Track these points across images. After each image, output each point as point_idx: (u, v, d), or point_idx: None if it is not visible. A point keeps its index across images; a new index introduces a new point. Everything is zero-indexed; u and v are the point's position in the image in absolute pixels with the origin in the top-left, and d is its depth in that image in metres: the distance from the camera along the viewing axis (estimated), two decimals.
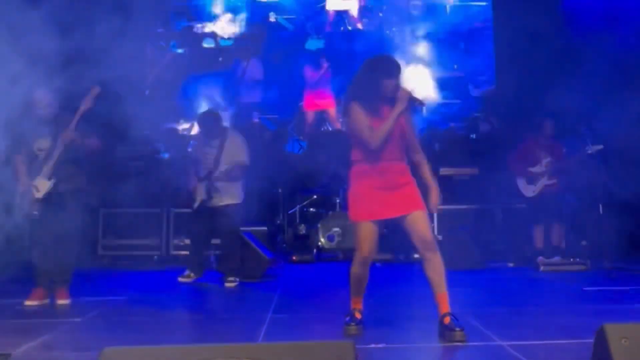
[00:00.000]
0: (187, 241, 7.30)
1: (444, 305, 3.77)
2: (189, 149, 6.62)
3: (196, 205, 6.34)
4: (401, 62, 4.02)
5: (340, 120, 4.08)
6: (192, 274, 6.34)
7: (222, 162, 6.32)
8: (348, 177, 3.99)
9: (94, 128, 5.26)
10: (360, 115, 3.82)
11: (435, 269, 3.76)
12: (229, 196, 6.31)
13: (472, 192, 8.52)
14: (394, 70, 3.85)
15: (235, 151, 6.38)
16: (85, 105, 5.02)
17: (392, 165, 3.85)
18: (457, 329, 3.63)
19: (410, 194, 3.83)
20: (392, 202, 3.77)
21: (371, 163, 3.83)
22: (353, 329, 3.87)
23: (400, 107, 3.78)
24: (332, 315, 4.61)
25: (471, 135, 9.49)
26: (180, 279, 6.29)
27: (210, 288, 6.00)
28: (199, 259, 6.47)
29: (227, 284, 6.09)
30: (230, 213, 6.32)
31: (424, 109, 3.95)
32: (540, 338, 3.67)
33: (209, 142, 6.43)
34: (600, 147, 6.60)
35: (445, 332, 3.66)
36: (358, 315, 3.96)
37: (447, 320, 3.69)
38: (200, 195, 6.29)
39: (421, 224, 3.77)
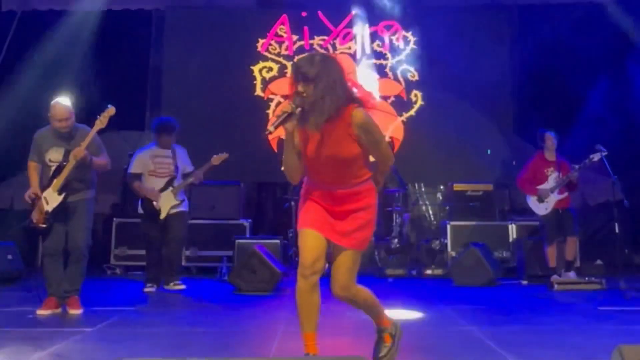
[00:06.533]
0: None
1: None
2: (135, 158, 6.58)
3: (164, 214, 6.45)
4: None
5: None
6: (155, 285, 6.50)
7: (180, 170, 6.62)
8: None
9: (105, 146, 5.34)
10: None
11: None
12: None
13: (486, 209, 8.49)
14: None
15: (185, 160, 6.69)
16: (99, 124, 5.07)
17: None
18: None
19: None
20: None
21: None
22: None
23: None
24: (344, 329, 4.58)
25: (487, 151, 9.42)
26: (146, 290, 6.41)
27: (222, 300, 5.98)
28: (160, 268, 6.55)
29: (177, 286, 6.44)
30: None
31: None
32: (554, 357, 3.62)
33: (161, 150, 6.57)
34: (599, 154, 6.54)
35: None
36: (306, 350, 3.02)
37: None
38: (169, 203, 6.45)
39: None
